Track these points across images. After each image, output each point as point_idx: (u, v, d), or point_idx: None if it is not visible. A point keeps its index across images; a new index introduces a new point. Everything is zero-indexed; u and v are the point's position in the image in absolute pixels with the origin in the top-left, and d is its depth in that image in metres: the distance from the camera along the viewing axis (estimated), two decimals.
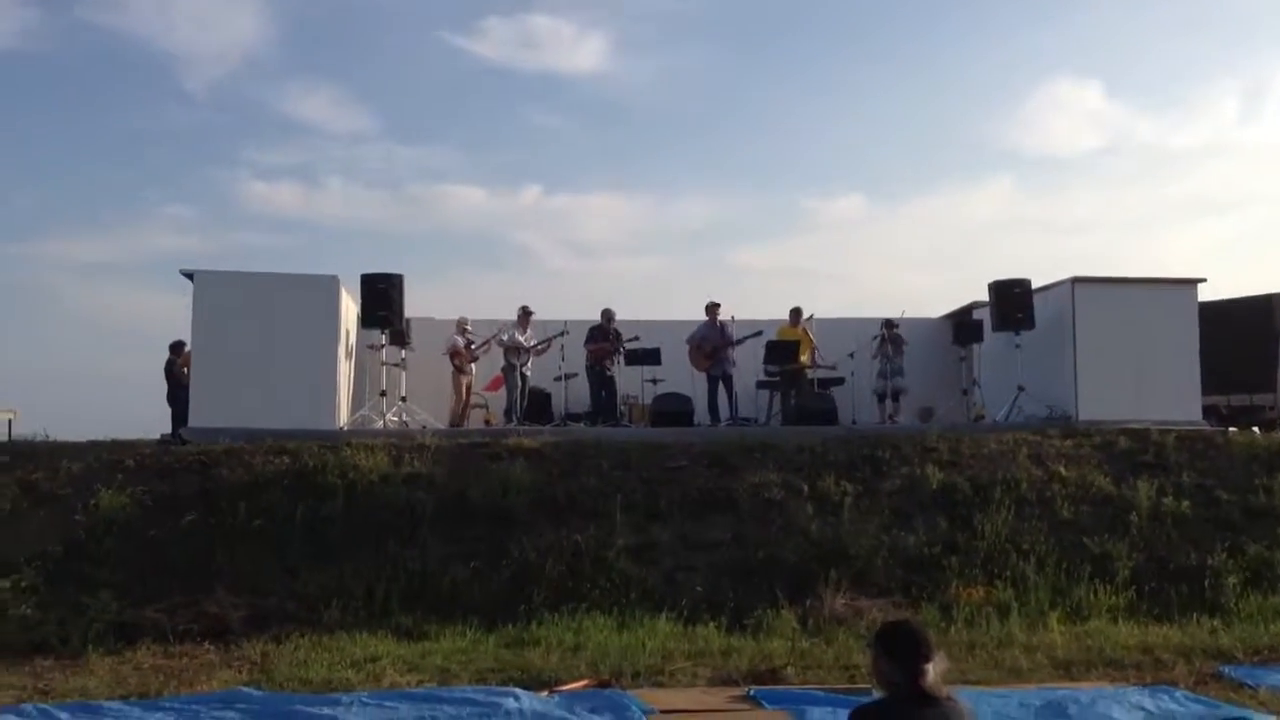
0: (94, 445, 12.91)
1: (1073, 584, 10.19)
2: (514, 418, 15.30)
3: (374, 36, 49.51)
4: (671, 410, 15.25)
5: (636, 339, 15.91)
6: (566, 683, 7.49)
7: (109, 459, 12.04)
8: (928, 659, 3.39)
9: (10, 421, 15.11)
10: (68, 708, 6.88)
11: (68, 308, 44.49)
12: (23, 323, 42.20)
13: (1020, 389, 14.80)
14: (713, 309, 16.07)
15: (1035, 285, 15.15)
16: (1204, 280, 14.93)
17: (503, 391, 16.24)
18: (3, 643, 8.75)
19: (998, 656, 8.38)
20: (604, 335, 15.96)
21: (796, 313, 16.29)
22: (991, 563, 10.47)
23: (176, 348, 15.80)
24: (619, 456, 12.23)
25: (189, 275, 14.07)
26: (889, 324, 16.44)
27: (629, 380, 16.35)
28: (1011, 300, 15.00)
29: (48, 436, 13.75)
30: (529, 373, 15.94)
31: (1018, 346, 14.94)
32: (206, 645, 8.79)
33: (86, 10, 47.27)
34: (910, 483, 11.83)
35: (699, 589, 10.02)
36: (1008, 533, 10.85)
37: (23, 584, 9.60)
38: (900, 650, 3.44)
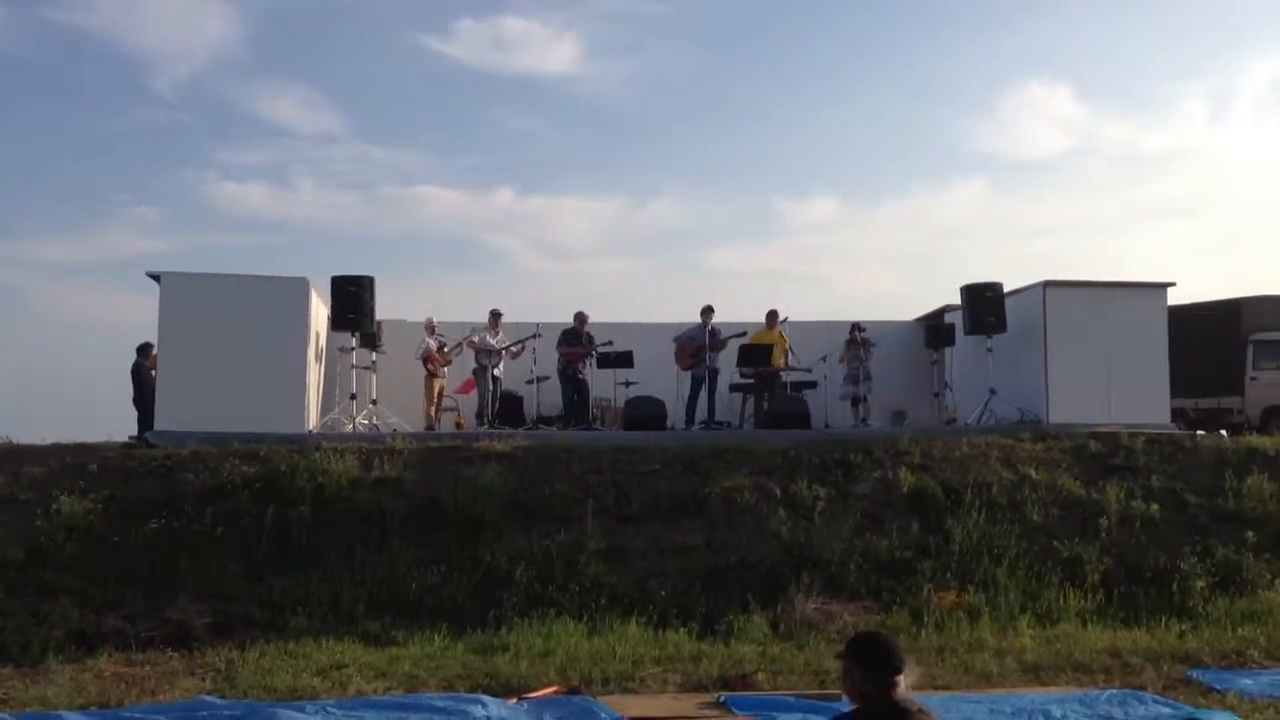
0: (57, 449, 12.68)
1: (1043, 587, 10.21)
2: (485, 420, 15.21)
3: (345, 37, 49.36)
4: (644, 414, 15.18)
5: (610, 343, 15.85)
6: (535, 689, 7.43)
7: (72, 463, 11.84)
8: (899, 670, 3.39)
9: None
10: (26, 717, 6.75)
11: (32, 308, 44.08)
12: None
13: (992, 392, 14.86)
14: (707, 312, 16.04)
15: (1007, 288, 15.22)
16: (1174, 284, 15.09)
17: (474, 394, 16.17)
18: None
19: (968, 661, 8.38)
20: (576, 338, 15.90)
21: (773, 315, 16.27)
22: (963, 566, 10.49)
23: (143, 350, 15.62)
24: (591, 460, 12.16)
25: (155, 277, 13.86)
26: (856, 327, 16.46)
27: (601, 383, 16.28)
28: (983, 304, 15.05)
29: (9, 440, 13.51)
30: (500, 375, 15.87)
31: (989, 350, 15.01)
32: (170, 653, 8.62)
33: (53, 10, 46.73)
34: (882, 486, 11.83)
35: (663, 594, 9.94)
36: (979, 536, 10.86)
37: None
38: (872, 662, 3.43)
